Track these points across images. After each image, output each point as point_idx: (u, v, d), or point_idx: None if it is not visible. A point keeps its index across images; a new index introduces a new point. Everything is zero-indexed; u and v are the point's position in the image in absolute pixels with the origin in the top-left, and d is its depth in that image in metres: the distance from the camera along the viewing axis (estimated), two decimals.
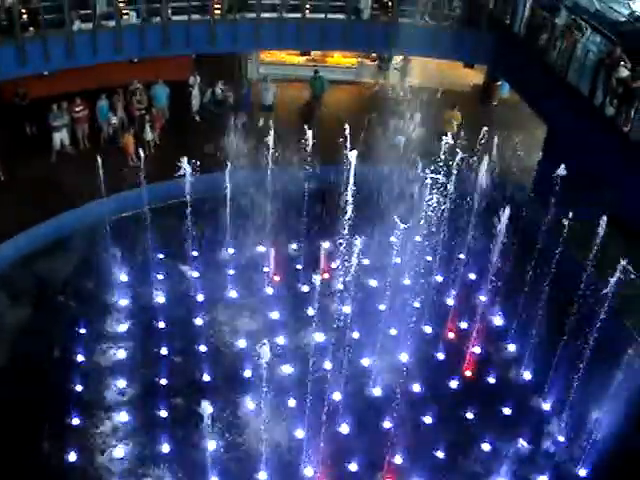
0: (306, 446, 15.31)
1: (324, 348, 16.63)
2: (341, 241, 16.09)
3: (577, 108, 20.39)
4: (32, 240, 20.19)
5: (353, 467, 15.38)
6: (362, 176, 17.89)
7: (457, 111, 24.79)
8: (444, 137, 24.88)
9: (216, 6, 24.83)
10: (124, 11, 24.01)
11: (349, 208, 15.99)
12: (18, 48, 21.73)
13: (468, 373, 17.91)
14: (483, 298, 19.50)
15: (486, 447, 16.06)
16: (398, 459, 15.46)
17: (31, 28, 22.23)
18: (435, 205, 17.88)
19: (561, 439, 16.30)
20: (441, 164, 18.22)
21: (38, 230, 20.43)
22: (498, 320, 19.36)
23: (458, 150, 18.43)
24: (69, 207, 21.10)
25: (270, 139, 19.00)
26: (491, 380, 17.76)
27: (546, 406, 17.12)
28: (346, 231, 15.96)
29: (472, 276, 20.48)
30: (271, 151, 19.13)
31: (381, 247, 18.94)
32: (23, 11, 22.27)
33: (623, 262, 14.57)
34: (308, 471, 15.16)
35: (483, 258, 18.83)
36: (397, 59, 28.80)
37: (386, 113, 25.36)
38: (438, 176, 17.33)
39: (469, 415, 16.76)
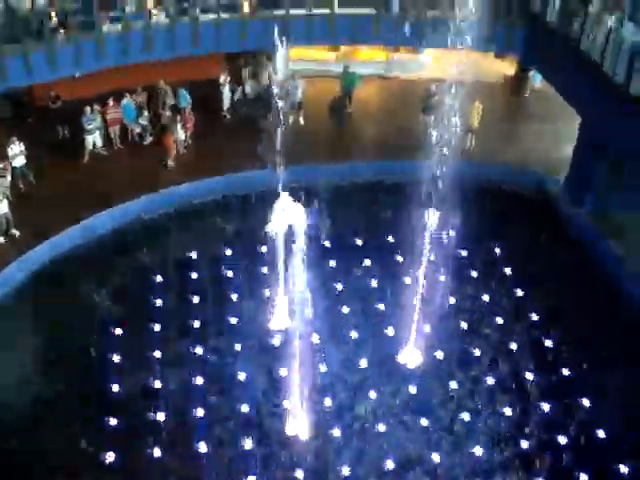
0: None
1: None
2: None
3: (612, 97, 19.98)
4: (66, 242, 20.28)
5: None
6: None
7: (478, 104, 24.11)
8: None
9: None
10: (153, 11, 23.99)
11: None
12: (49, 52, 21.78)
13: None
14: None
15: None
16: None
17: (61, 31, 22.30)
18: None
19: None
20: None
21: (73, 233, 20.50)
22: None
23: None
24: (104, 207, 21.20)
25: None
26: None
27: None
28: None
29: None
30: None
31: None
32: (52, 14, 22.40)
33: None
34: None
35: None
36: None
37: None
38: None
39: None
